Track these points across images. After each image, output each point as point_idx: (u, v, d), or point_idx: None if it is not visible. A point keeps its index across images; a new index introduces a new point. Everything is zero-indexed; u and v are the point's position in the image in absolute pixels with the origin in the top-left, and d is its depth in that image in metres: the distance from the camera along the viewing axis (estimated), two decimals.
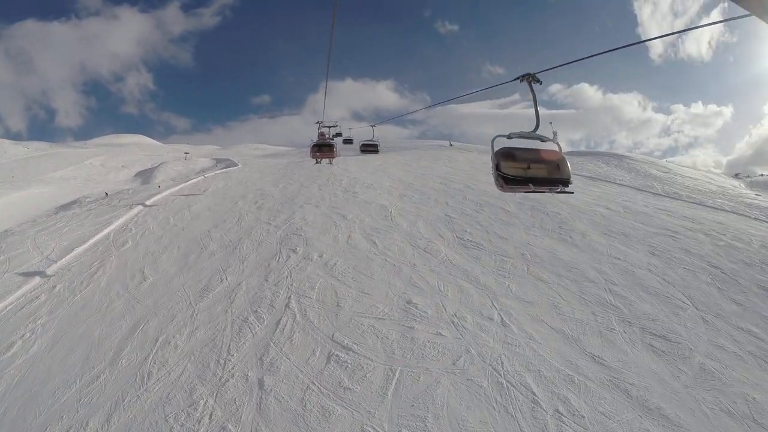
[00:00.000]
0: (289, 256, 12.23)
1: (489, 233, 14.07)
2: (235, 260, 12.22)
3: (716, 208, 19.74)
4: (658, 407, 6.47)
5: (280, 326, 8.66)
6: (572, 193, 5.40)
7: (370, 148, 17.38)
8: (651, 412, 6.38)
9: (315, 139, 15.06)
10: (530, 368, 7.24)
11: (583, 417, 6.21)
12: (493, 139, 5.02)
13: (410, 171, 26.91)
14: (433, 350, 7.74)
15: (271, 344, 8.07)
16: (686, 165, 41.31)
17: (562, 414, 6.26)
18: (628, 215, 16.62)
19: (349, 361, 7.48)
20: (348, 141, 18.68)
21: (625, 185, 25.44)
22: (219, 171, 30.50)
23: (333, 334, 8.31)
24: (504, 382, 6.89)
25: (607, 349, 7.88)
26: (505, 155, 4.97)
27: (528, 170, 5.00)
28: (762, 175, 39.09)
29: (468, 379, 6.94)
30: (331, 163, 16.73)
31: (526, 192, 5.21)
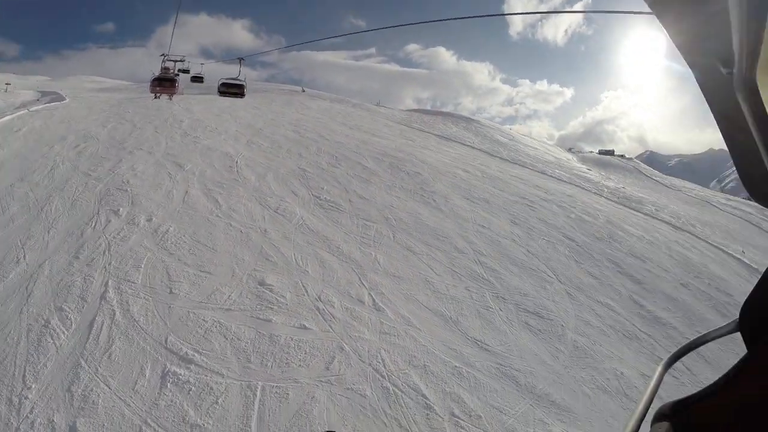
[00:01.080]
0: (110, 221, 9.46)
1: (348, 192, 13.00)
2: (40, 228, 8.98)
3: (559, 179, 21.61)
4: (545, 393, 6.18)
5: (93, 331, 6.12)
6: None
7: (233, 90, 14.31)
8: (540, 400, 6.05)
9: (157, 72, 13.35)
10: (414, 363, 6.24)
11: (480, 417, 5.51)
12: None
13: (260, 115, 24.71)
14: (300, 351, 6.16)
15: (83, 362, 5.57)
16: (524, 133, 45.66)
17: (458, 417, 5.42)
18: (486, 180, 17.04)
19: (192, 379, 5.45)
20: (198, 78, 15.56)
21: (475, 148, 26.80)
22: (41, 106, 24.12)
23: (166, 338, 6.12)
24: (390, 386, 5.73)
25: (488, 331, 7.42)
26: None
27: None
28: (591, 152, 45.18)
29: (347, 388, 5.59)
30: (170, 99, 14.11)
31: None
